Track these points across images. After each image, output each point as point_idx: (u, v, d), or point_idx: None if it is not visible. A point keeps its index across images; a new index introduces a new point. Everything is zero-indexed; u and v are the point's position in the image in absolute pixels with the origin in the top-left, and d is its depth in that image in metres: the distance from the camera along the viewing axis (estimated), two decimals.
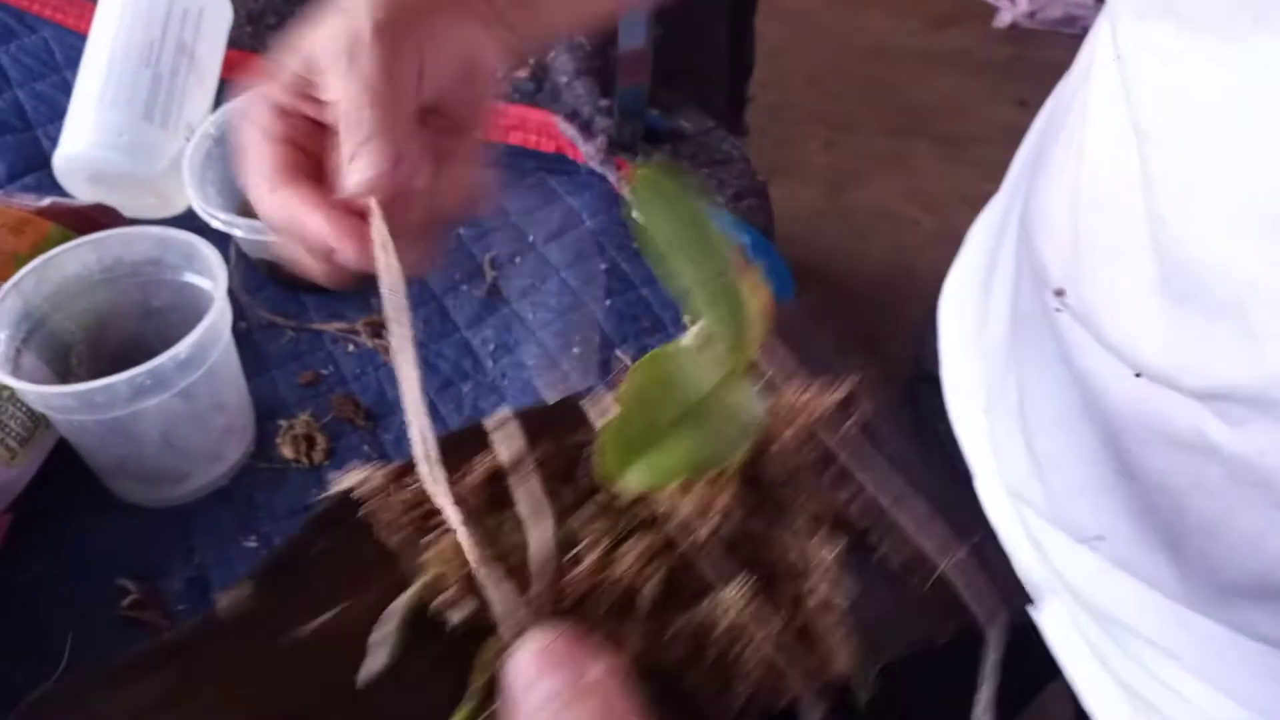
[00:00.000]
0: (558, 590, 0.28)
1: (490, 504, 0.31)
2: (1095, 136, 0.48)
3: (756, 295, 0.31)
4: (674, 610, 0.29)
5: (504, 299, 0.79)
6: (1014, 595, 0.37)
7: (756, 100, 1.57)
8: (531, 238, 0.83)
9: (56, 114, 0.90)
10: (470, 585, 0.28)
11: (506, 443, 0.32)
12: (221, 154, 0.80)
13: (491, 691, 0.27)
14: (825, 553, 0.31)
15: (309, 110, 0.41)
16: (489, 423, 0.33)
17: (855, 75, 2.40)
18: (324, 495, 0.31)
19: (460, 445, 0.32)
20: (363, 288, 0.80)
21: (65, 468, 0.67)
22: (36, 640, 0.62)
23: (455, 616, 0.28)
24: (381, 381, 0.74)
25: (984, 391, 0.62)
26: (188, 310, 0.68)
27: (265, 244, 0.77)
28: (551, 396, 0.71)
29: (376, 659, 0.28)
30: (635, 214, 0.32)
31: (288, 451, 0.69)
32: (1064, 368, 0.51)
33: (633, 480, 0.28)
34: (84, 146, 0.80)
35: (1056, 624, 0.59)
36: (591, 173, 0.86)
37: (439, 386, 0.74)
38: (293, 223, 0.40)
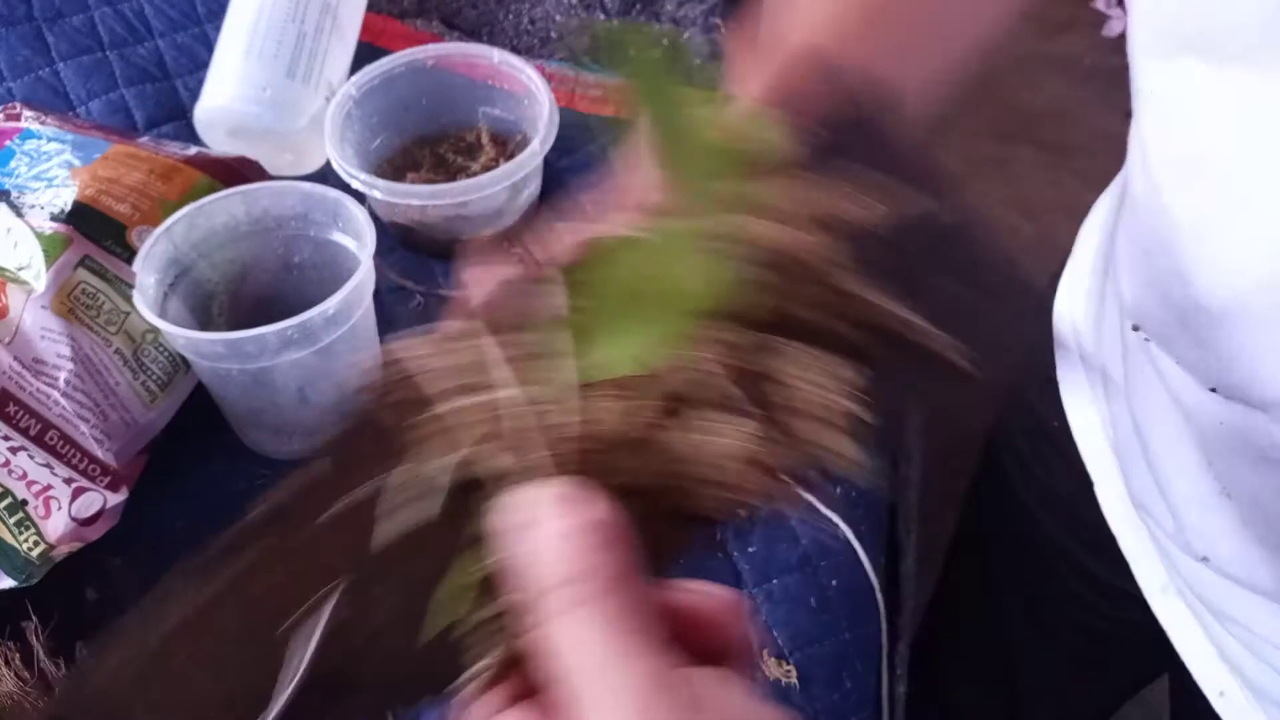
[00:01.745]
0: (573, 436, 0.28)
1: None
2: (1145, 171, 0.48)
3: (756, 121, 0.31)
4: (679, 439, 0.29)
5: None
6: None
7: None
8: None
9: (196, 65, 0.91)
10: (496, 437, 0.29)
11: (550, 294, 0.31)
12: (360, 115, 0.81)
13: (480, 540, 0.28)
14: (844, 368, 0.30)
15: None
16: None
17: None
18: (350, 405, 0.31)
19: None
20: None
21: (198, 415, 0.69)
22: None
23: (501, 466, 0.28)
24: None
25: (1104, 401, 0.62)
26: (327, 269, 0.68)
27: (398, 207, 0.77)
28: None
29: (435, 502, 0.28)
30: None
31: None
32: (1165, 393, 0.51)
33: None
34: (227, 100, 0.80)
35: (1183, 630, 0.59)
36: None
37: None
38: None
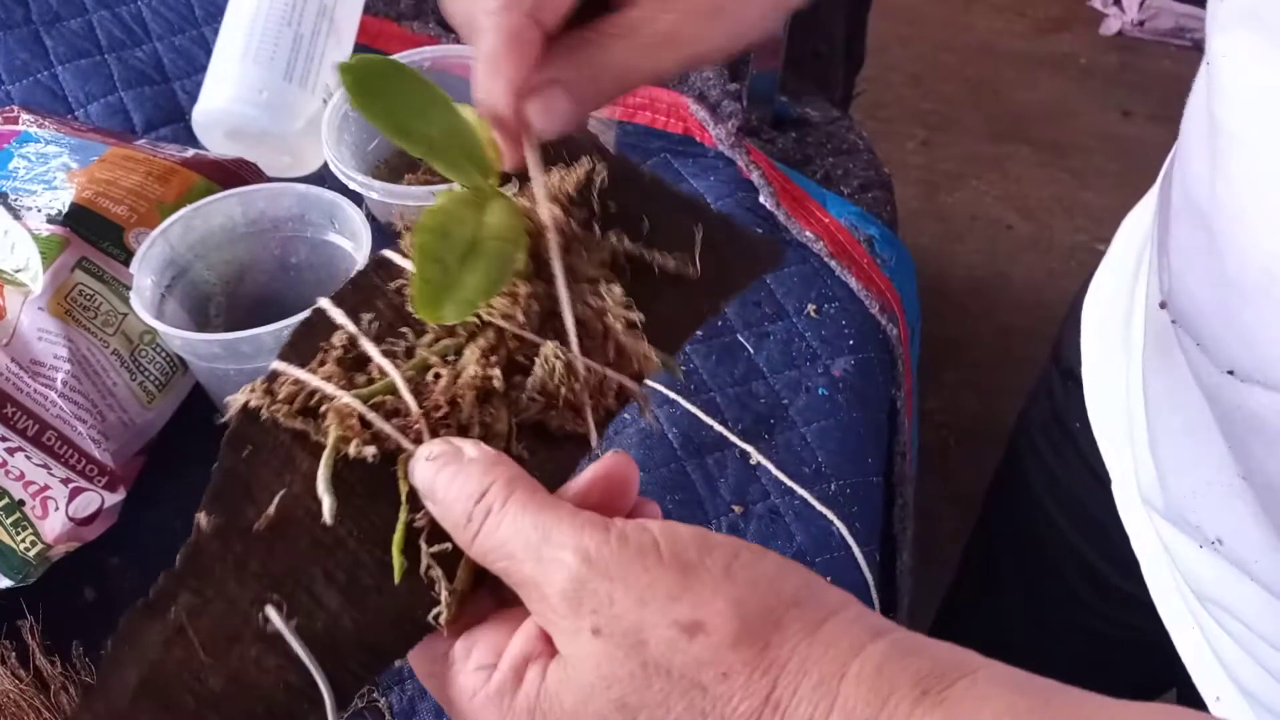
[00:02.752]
0: (433, 405, 0.35)
1: (354, 367, 0.37)
2: (1186, 142, 0.48)
3: (482, 124, 0.38)
4: (520, 380, 0.37)
5: None
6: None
7: (855, 96, 1.55)
8: None
9: (194, 68, 0.91)
10: (367, 430, 0.35)
11: (339, 321, 0.38)
12: (357, 117, 0.81)
13: (415, 494, 0.34)
14: (614, 289, 0.38)
15: None
16: (316, 313, 0.38)
17: (957, 75, 2.37)
18: (225, 417, 0.36)
19: (308, 340, 0.38)
20: None
21: (196, 415, 0.69)
22: None
23: (368, 454, 0.35)
24: None
25: (1124, 394, 0.62)
26: (323, 269, 0.69)
27: (395, 208, 0.77)
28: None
29: (329, 503, 0.34)
30: (356, 109, 0.37)
31: None
32: (1190, 376, 0.51)
33: (448, 317, 0.36)
34: (224, 102, 0.81)
35: (1184, 632, 0.59)
36: (718, 156, 0.85)
37: None
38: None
